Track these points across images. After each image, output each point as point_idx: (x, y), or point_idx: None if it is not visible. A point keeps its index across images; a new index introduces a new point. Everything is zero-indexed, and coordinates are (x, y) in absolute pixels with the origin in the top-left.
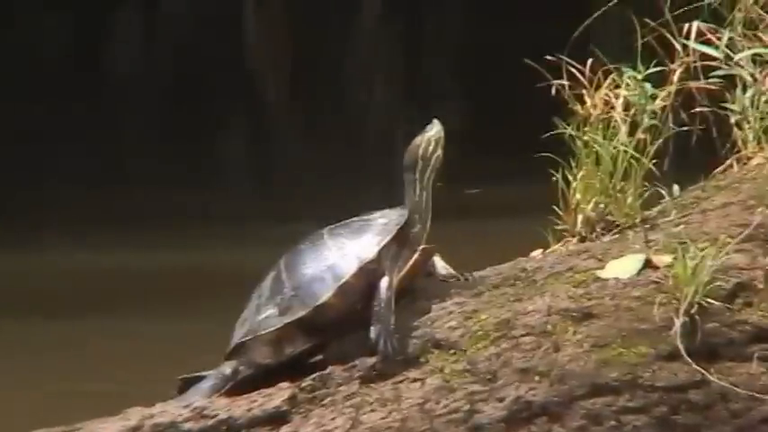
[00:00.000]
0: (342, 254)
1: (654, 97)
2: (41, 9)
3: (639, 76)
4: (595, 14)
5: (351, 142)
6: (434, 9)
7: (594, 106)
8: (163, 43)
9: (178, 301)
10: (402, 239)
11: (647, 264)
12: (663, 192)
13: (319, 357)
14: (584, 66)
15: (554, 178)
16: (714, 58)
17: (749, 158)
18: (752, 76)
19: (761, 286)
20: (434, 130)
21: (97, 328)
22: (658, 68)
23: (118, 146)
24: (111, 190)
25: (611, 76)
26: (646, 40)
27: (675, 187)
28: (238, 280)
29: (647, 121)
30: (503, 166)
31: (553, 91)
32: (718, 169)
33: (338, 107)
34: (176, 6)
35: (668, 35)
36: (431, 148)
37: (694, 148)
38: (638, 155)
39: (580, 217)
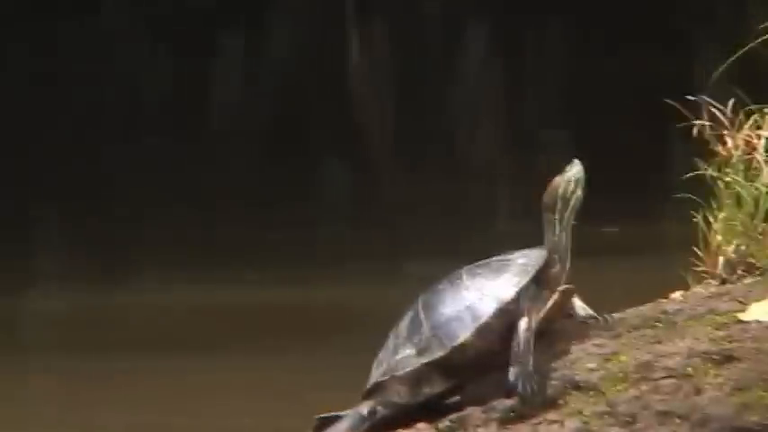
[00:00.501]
0: (481, 294)
1: None
2: None
3: None
4: (740, 52)
5: (454, 176)
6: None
7: (736, 147)
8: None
9: (288, 338)
10: (541, 280)
11: None
12: None
13: (457, 398)
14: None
15: (694, 219)
16: None
17: None
18: None
19: None
20: (575, 169)
21: (212, 364)
22: None
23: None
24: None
25: (754, 116)
26: None
27: None
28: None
29: None
30: (639, 206)
31: (695, 132)
32: None
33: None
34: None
35: None
36: (570, 187)
37: None
38: None
39: (721, 259)
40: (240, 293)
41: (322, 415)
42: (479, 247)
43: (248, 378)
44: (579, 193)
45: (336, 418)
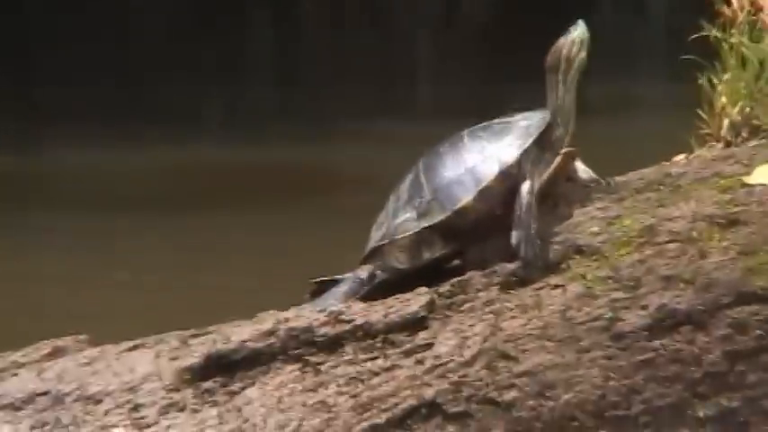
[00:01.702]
0: (482, 157)
1: None
2: None
3: None
4: None
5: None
6: None
7: (741, 7)
8: None
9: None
10: (544, 143)
11: None
12: None
13: (457, 263)
14: None
15: (699, 81)
16: None
17: None
18: None
19: None
20: (579, 30)
21: (220, 223)
22: None
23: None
24: None
25: None
26: None
27: None
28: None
29: None
30: (646, 65)
31: None
32: None
33: None
34: None
35: None
36: (575, 48)
37: None
38: None
39: (725, 121)
40: (226, 153)
41: (318, 278)
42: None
43: (244, 239)
44: (583, 54)
45: (334, 282)
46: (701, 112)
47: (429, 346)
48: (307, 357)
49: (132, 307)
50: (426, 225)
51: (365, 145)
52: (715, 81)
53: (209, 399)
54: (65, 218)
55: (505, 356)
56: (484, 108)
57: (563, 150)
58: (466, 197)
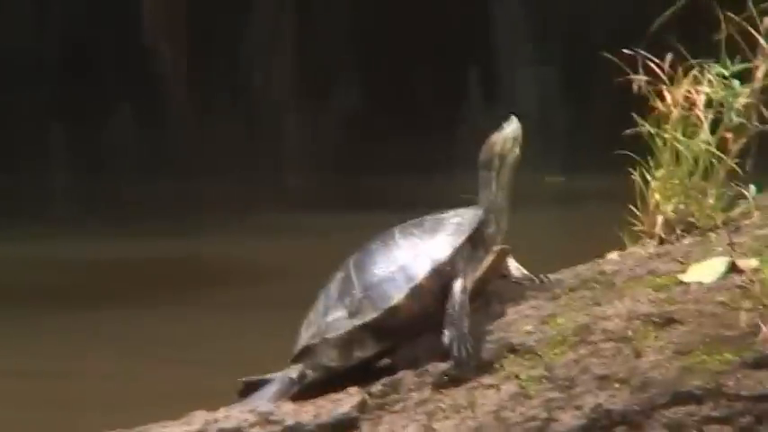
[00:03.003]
0: (414, 254)
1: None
2: None
3: (727, 73)
4: (674, 7)
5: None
6: None
7: (676, 103)
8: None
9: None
10: (477, 240)
11: (732, 268)
12: (745, 193)
13: (389, 361)
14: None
15: (632, 176)
16: None
17: None
18: None
19: None
20: (513, 126)
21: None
22: (745, 65)
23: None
24: None
25: (693, 71)
26: (726, 34)
27: (752, 188)
28: None
29: (735, 119)
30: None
31: (635, 87)
32: None
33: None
34: None
35: (751, 29)
36: (508, 145)
37: None
38: (720, 154)
39: (659, 218)
40: (126, 247)
41: (247, 378)
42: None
43: (161, 334)
44: (517, 150)
45: (262, 382)
46: (634, 209)
47: None
48: None
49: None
50: (358, 324)
51: (237, 236)
52: (648, 177)
53: None
54: None
55: None
56: (354, 198)
57: (496, 248)
58: (398, 295)
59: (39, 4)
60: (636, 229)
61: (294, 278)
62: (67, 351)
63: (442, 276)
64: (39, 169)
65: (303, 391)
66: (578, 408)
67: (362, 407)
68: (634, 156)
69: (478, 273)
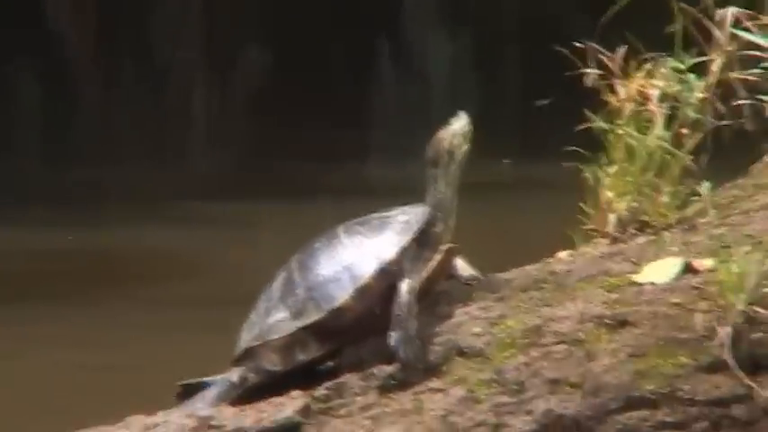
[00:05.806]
0: (360, 253)
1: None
2: None
3: (683, 66)
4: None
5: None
6: None
7: (629, 98)
8: None
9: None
10: (424, 239)
11: (687, 268)
12: (700, 191)
13: (333, 364)
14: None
15: (583, 174)
16: (754, 47)
17: None
18: None
19: None
20: (461, 122)
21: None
22: (701, 59)
23: None
24: None
25: (646, 65)
26: (682, 26)
27: (706, 185)
28: None
29: (691, 115)
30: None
31: (588, 81)
32: (755, 165)
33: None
34: None
35: (706, 22)
36: (456, 141)
37: (733, 144)
38: (675, 150)
39: (612, 216)
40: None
41: (186, 381)
42: None
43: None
44: (465, 147)
45: (202, 385)
46: (584, 207)
47: None
48: None
49: None
50: (301, 325)
51: (149, 226)
52: (600, 174)
53: None
54: None
55: None
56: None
57: (444, 247)
58: (343, 296)
59: None
60: (586, 227)
61: (214, 272)
62: None
63: (388, 276)
64: None
65: (244, 395)
66: (529, 413)
67: (306, 411)
68: (584, 152)
69: (426, 272)
